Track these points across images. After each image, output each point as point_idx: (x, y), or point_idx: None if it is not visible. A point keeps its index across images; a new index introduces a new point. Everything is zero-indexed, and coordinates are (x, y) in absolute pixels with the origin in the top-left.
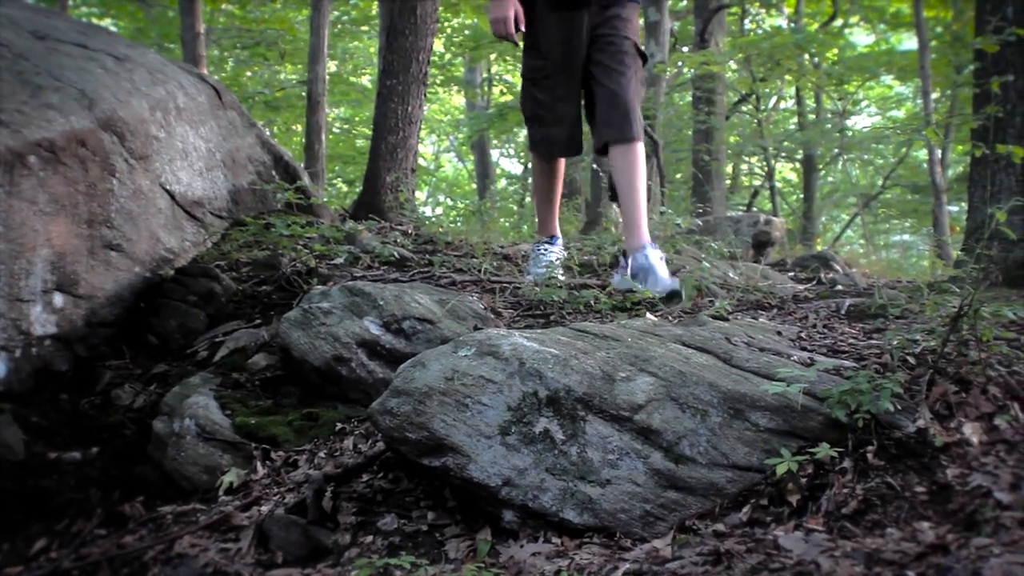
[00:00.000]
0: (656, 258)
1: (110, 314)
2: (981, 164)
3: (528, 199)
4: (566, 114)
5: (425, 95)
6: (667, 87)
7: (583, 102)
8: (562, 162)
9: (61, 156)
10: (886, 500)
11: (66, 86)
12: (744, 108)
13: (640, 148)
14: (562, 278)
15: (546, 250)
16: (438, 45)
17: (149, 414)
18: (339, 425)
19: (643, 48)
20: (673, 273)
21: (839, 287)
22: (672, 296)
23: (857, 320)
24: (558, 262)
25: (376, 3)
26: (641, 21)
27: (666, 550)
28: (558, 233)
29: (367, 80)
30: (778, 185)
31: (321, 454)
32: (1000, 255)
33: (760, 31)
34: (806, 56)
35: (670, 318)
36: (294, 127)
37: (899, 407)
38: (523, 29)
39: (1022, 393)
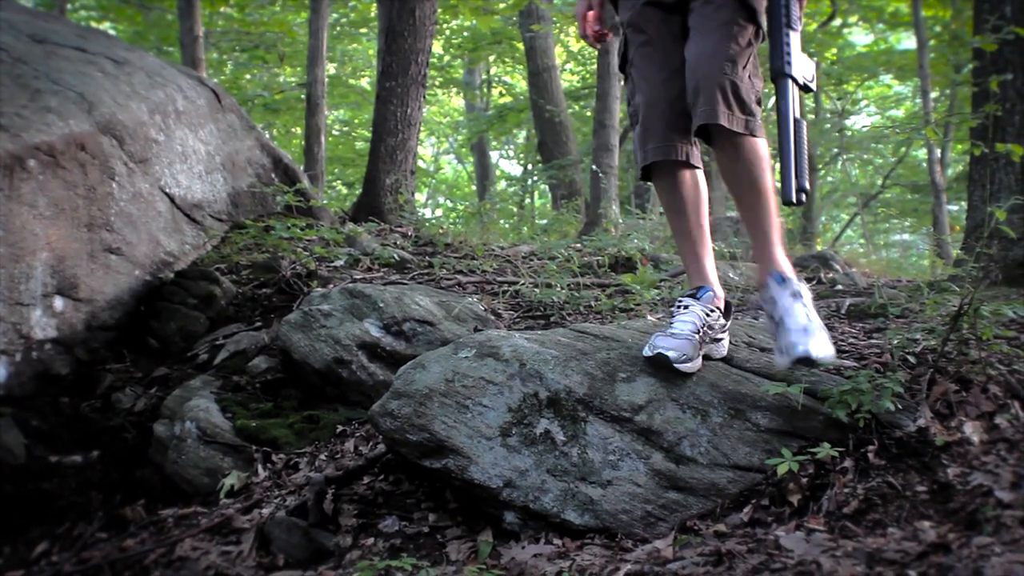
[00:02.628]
0: (789, 297)
1: (110, 317)
2: (980, 163)
3: (527, 200)
4: (649, 95)
5: (424, 97)
6: None
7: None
8: (689, 179)
9: (60, 160)
10: (887, 499)
11: (65, 90)
12: None
13: (744, 140)
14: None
15: (686, 308)
16: (437, 47)
17: (150, 417)
18: (340, 427)
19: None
20: (676, 275)
21: (839, 287)
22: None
23: (857, 319)
24: (712, 330)
25: (375, 5)
26: None
27: (667, 551)
28: (710, 284)
29: (366, 82)
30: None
31: (322, 456)
32: (1000, 254)
33: None
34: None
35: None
36: (293, 130)
37: (900, 406)
38: (596, 27)
39: (1022, 392)
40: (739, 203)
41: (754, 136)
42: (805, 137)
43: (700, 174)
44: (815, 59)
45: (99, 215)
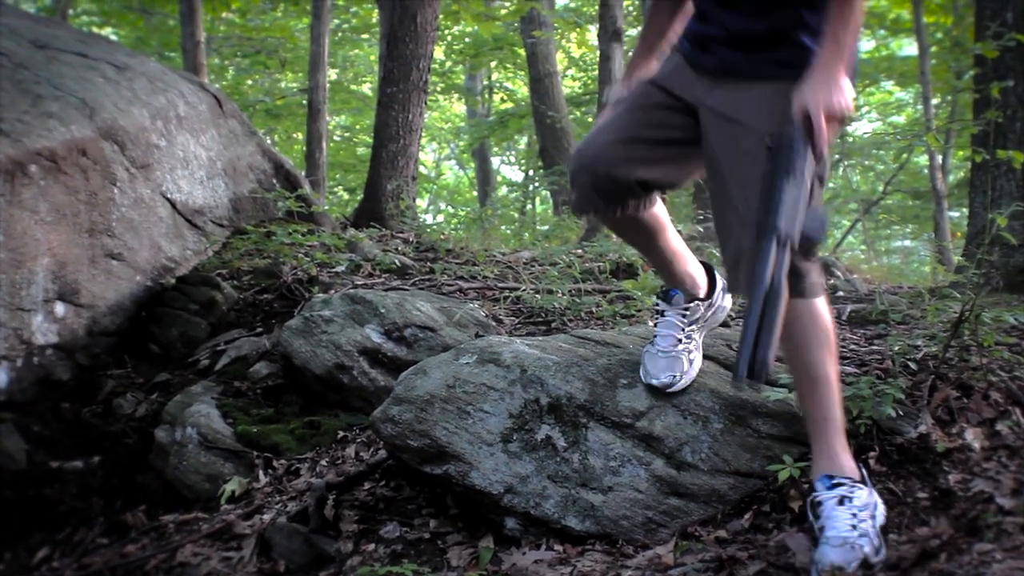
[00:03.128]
0: (834, 502)
1: (111, 323)
2: (982, 169)
3: (528, 206)
4: (588, 148)
5: (426, 103)
6: None
7: None
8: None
9: (62, 165)
10: (888, 506)
11: (67, 95)
12: None
13: (798, 307)
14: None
15: (663, 316)
16: (438, 53)
17: (151, 423)
18: (341, 433)
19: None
20: None
21: (840, 293)
22: None
23: (858, 326)
24: (699, 322)
25: (376, 11)
26: (641, 28)
27: (668, 557)
28: (681, 285)
29: (368, 88)
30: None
31: (323, 462)
32: (1001, 260)
33: None
34: None
35: None
36: (295, 135)
37: (901, 413)
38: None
39: (1023, 398)
40: (797, 389)
41: (805, 297)
42: (781, 304)
43: (655, 209)
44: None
45: (100, 220)
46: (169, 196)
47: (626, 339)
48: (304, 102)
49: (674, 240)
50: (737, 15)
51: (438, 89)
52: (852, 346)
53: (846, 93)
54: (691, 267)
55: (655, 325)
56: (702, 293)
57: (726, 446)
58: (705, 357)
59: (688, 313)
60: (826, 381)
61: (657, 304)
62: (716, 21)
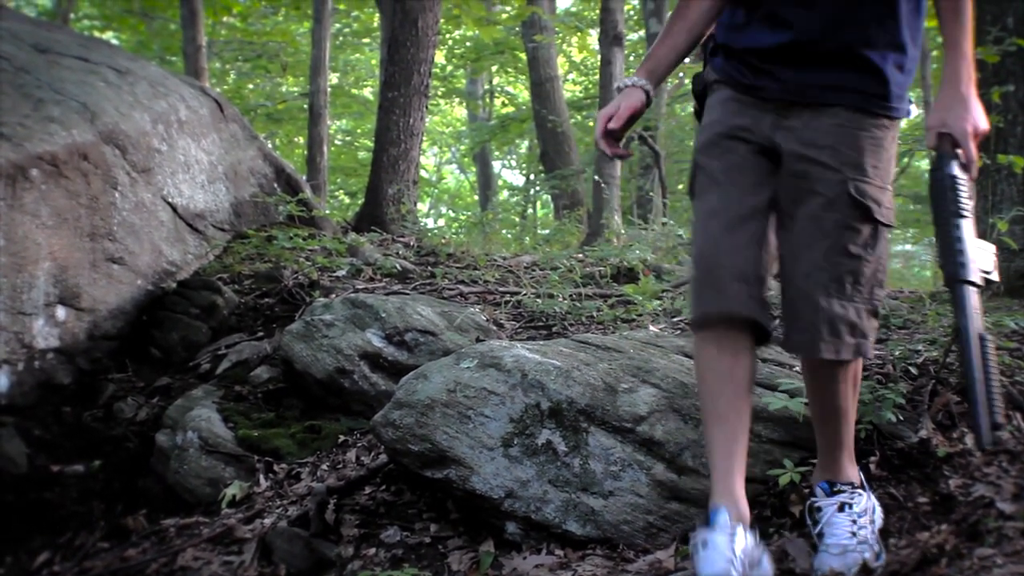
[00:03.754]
0: (834, 508)
1: (112, 327)
2: (982, 174)
3: (529, 210)
4: (712, 242)
5: (427, 107)
6: (669, 98)
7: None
8: (746, 358)
9: (63, 169)
10: (889, 510)
11: (68, 99)
12: None
13: (840, 367)
14: None
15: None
16: (439, 57)
17: (152, 427)
18: (342, 437)
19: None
20: (679, 285)
21: None
22: None
23: None
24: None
25: (377, 16)
26: (642, 32)
27: (669, 561)
28: (732, 500)
29: (369, 92)
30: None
31: (324, 467)
32: (1002, 265)
33: None
34: None
35: (672, 329)
36: (296, 139)
37: (901, 418)
38: (614, 126)
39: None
40: (813, 415)
41: (861, 356)
42: (992, 357)
43: (752, 356)
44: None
45: (101, 225)
46: (170, 200)
47: (627, 344)
48: (305, 106)
49: (749, 413)
50: (812, 18)
51: (439, 93)
52: None
53: (979, 108)
54: (741, 480)
55: (662, 329)
56: (747, 519)
57: None
58: None
59: (740, 541)
60: (848, 413)
61: (702, 536)
62: (785, 24)
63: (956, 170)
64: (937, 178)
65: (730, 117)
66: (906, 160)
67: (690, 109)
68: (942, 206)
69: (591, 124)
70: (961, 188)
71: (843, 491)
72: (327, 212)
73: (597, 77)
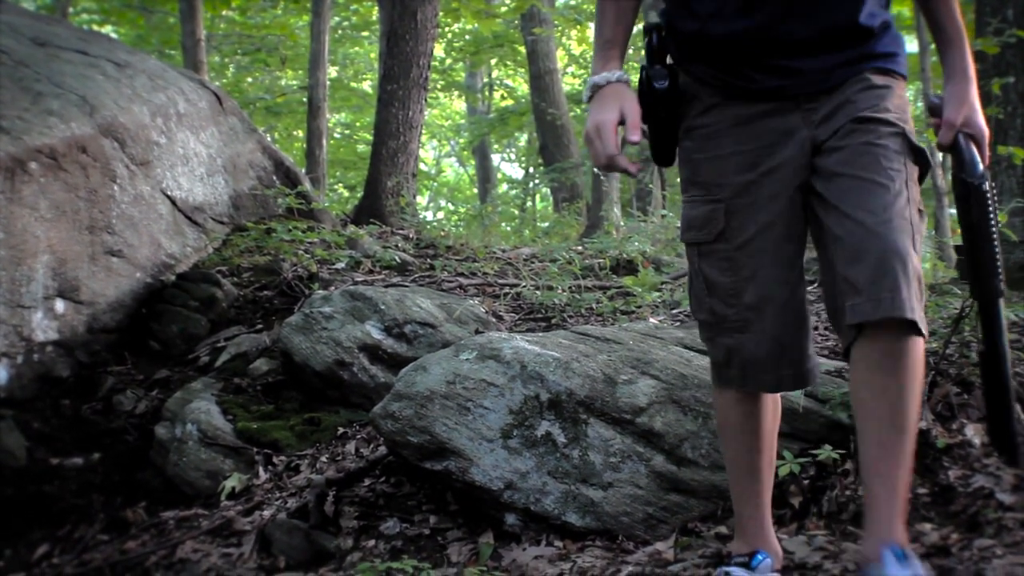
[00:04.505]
0: None
1: (111, 320)
2: None
3: (528, 203)
4: (766, 303)
5: (426, 100)
6: None
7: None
8: (771, 400)
9: (62, 162)
10: None
11: (67, 92)
12: None
13: (917, 346)
14: None
15: None
16: (439, 50)
17: (151, 419)
18: (341, 429)
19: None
20: (678, 277)
21: None
22: None
23: None
24: None
25: (377, 9)
26: (641, 26)
27: (668, 552)
28: (770, 546)
29: (368, 85)
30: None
31: (323, 459)
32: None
33: None
34: None
35: (671, 321)
36: (295, 133)
37: None
38: (635, 140)
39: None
40: (867, 435)
41: (921, 336)
42: (1009, 365)
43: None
44: None
45: (100, 217)
46: (169, 193)
47: (626, 335)
48: (304, 99)
49: (774, 460)
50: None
51: (438, 86)
52: None
53: None
54: (771, 527)
55: (661, 321)
56: (780, 566)
57: None
58: (705, 353)
59: None
60: (913, 433)
61: (729, 571)
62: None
63: (986, 175)
64: (973, 186)
65: (756, 145)
66: None
67: None
68: (980, 218)
69: None
70: (988, 191)
71: (912, 561)
72: (326, 205)
73: None
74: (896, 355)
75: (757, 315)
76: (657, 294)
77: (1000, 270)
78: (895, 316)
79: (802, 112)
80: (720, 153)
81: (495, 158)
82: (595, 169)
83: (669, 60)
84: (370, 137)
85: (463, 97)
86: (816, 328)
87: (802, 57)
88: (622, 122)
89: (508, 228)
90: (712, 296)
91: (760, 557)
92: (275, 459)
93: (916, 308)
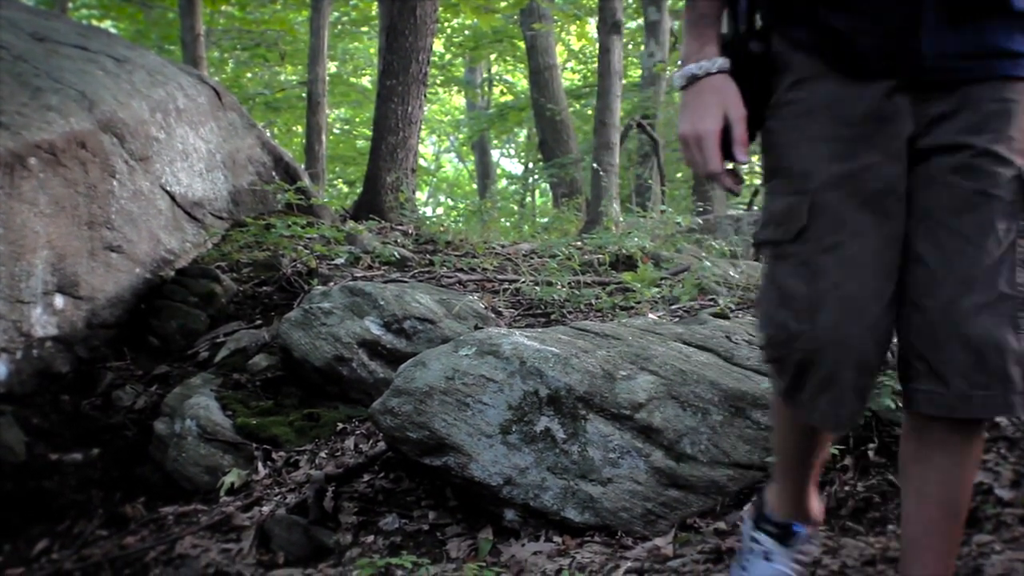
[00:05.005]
0: None
1: (111, 315)
2: None
3: (528, 198)
4: (850, 322)
5: (425, 95)
6: (667, 86)
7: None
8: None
9: (61, 158)
10: (887, 497)
11: (66, 88)
12: None
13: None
14: None
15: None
16: (438, 45)
17: (150, 415)
18: (340, 425)
19: None
20: (677, 273)
21: None
22: None
23: None
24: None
25: (376, 4)
26: (641, 21)
27: (667, 548)
28: (812, 516)
29: (367, 81)
30: None
31: (322, 454)
32: None
33: None
34: None
35: (671, 317)
36: (294, 128)
37: (900, 404)
38: (744, 159)
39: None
40: (919, 514)
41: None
42: None
43: None
44: None
45: (100, 213)
46: (168, 188)
47: (625, 331)
48: (303, 95)
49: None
50: None
51: (438, 82)
52: None
53: None
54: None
55: (660, 316)
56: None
57: (725, 438)
58: (705, 349)
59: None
60: (964, 518)
61: (757, 538)
62: None
63: None
64: None
65: (858, 132)
66: None
67: None
68: None
69: (590, 112)
70: None
71: None
72: (325, 200)
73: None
74: (970, 443)
75: (836, 337)
76: (656, 290)
77: None
78: (990, 416)
79: (912, 102)
80: (811, 135)
81: (494, 154)
82: (594, 165)
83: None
84: (369, 133)
85: (462, 92)
86: None
87: (925, 31)
88: (726, 129)
89: (507, 224)
90: (784, 308)
91: (798, 531)
92: (274, 455)
93: (1017, 404)
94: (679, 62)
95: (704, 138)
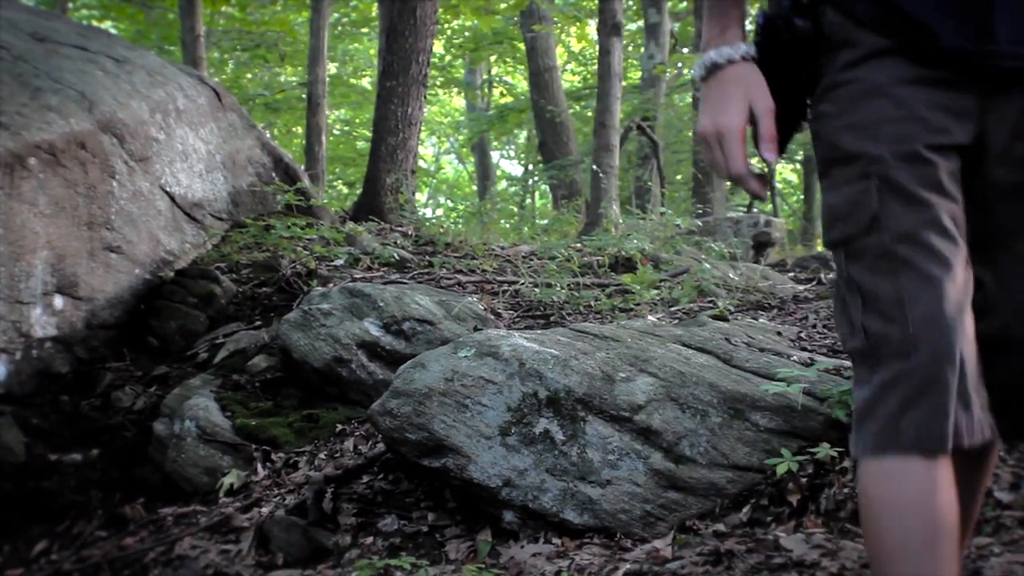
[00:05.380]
0: None
1: (110, 316)
2: None
3: (527, 200)
4: (951, 313)
5: (425, 97)
6: (667, 88)
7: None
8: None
9: (61, 158)
10: None
11: (66, 88)
12: None
13: None
14: None
15: None
16: (438, 47)
17: (149, 416)
18: (339, 426)
19: None
20: (677, 275)
21: None
22: None
23: None
24: None
25: (376, 5)
26: (641, 22)
27: (666, 550)
28: None
29: (367, 82)
30: (778, 186)
31: (321, 455)
32: None
33: None
34: None
35: (670, 319)
36: (294, 129)
37: None
38: (772, 158)
39: None
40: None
41: None
42: None
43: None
44: None
45: (99, 213)
46: (168, 189)
47: (624, 333)
48: (303, 96)
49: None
50: None
51: (438, 83)
52: None
53: None
54: None
55: (660, 319)
56: None
57: (724, 440)
58: (704, 351)
59: None
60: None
61: None
62: None
63: None
64: None
65: (923, 114)
66: None
67: (688, 100)
68: None
69: (590, 114)
70: None
71: None
72: (325, 201)
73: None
74: (991, 456)
75: (933, 333)
76: (655, 292)
77: None
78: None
79: (982, 98)
80: (873, 118)
81: (494, 155)
82: (594, 167)
83: None
84: (369, 134)
85: (462, 94)
86: (815, 326)
87: (1000, 13)
88: (751, 122)
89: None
90: (867, 311)
91: None
92: (273, 456)
93: None
94: (699, 49)
95: (726, 135)
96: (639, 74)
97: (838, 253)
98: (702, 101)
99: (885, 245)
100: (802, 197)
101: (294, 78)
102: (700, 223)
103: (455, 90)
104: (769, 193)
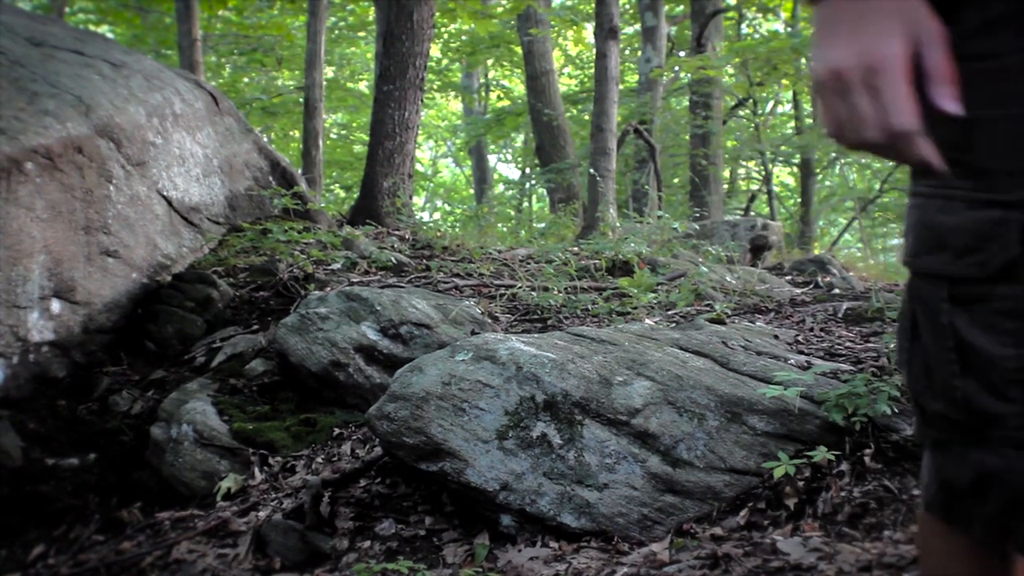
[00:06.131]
0: None
1: (107, 320)
2: None
3: (525, 204)
4: None
5: (422, 100)
6: (664, 92)
7: None
8: None
9: (58, 163)
10: (883, 503)
11: (63, 92)
12: (741, 112)
13: None
14: None
15: None
16: (435, 50)
17: (147, 420)
18: (337, 430)
19: None
20: (674, 278)
21: (836, 291)
22: None
23: (854, 323)
24: None
25: (373, 9)
26: (638, 26)
27: (664, 554)
28: None
29: (364, 86)
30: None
31: (319, 459)
32: None
33: (757, 35)
34: (803, 60)
35: (667, 322)
36: (291, 133)
37: (896, 410)
38: (952, 108)
39: None
40: None
41: None
42: None
43: None
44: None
45: (96, 218)
46: (165, 193)
47: (622, 337)
48: (300, 100)
49: None
50: None
51: (435, 87)
52: (848, 344)
53: None
54: None
55: (657, 322)
56: None
57: (722, 443)
58: (701, 355)
59: None
60: None
61: None
62: None
63: None
64: None
65: None
66: None
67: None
68: None
69: (587, 118)
70: None
71: None
72: (322, 205)
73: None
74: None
75: None
76: (653, 295)
77: None
78: None
79: None
80: (1017, 113)
81: (491, 159)
82: (591, 170)
83: None
84: (366, 137)
85: (459, 97)
86: (812, 329)
87: None
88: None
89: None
90: (968, 376)
91: None
92: (271, 460)
93: None
94: None
95: (883, 70)
96: (636, 78)
97: (933, 288)
98: (823, 25)
99: (1018, 302)
100: (799, 200)
101: (291, 82)
102: (697, 226)
103: (452, 94)
104: (766, 196)
